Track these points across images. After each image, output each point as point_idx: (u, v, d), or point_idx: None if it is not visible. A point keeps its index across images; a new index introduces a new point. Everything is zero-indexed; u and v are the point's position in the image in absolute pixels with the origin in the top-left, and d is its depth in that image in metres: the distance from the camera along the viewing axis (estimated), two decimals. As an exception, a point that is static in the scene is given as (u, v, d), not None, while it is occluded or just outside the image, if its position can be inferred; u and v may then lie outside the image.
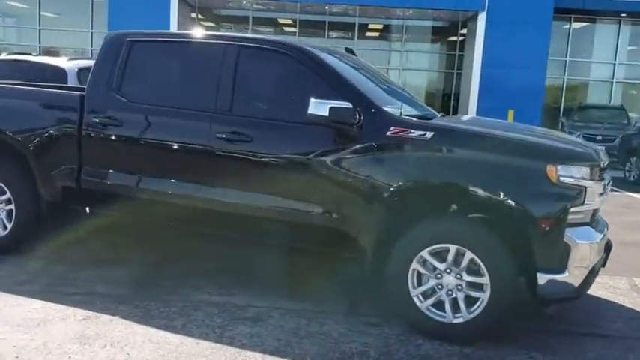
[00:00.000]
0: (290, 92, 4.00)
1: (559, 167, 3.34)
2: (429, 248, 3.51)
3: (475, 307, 3.46)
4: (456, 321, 3.51)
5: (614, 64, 20.21)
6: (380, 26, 20.08)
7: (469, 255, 3.42)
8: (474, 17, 17.15)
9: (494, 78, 16.43)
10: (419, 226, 3.56)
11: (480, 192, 3.42)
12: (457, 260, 3.47)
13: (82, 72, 8.85)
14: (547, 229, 3.30)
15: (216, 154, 3.96)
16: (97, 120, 4.26)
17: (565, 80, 20.26)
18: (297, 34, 19.50)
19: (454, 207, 3.62)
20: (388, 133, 3.59)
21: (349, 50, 4.97)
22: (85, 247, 4.93)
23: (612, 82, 20.26)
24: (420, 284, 3.58)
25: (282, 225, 3.87)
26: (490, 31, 16.64)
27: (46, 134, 4.45)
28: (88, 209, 4.51)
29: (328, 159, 3.70)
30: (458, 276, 3.49)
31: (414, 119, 3.76)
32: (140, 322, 3.57)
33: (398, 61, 19.79)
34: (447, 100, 20.02)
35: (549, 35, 17.21)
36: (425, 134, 3.53)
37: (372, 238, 3.63)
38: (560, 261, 3.34)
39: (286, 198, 3.83)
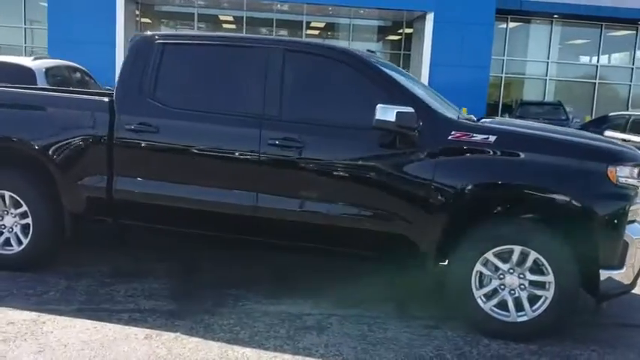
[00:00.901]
0: (345, 98, 3.95)
1: (618, 168, 3.51)
2: (494, 250, 3.59)
3: (538, 305, 3.58)
4: (520, 320, 3.61)
5: (547, 62, 21.32)
6: (326, 24, 20.16)
7: (534, 255, 3.53)
8: (422, 17, 17.56)
9: (442, 76, 16.91)
10: (484, 229, 3.64)
11: (545, 194, 3.54)
12: (520, 260, 3.58)
13: (49, 72, 8.38)
14: (610, 227, 3.46)
15: (269, 161, 3.86)
16: (132, 127, 4.03)
17: (503, 78, 21.16)
18: (244, 31, 19.22)
19: (519, 209, 3.72)
20: (450, 137, 3.64)
21: (371, 52, 4.96)
22: (99, 259, 4.69)
23: (546, 80, 21.37)
24: (482, 286, 3.66)
25: (341, 232, 3.83)
26: (438, 31, 17.11)
27: (72, 142, 4.16)
28: (114, 220, 4.27)
29: (388, 164, 3.71)
30: (521, 276, 3.59)
31: (473, 123, 3.83)
32: (206, 337, 3.44)
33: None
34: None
35: (492, 35, 17.93)
36: (488, 138, 3.60)
37: (435, 241, 3.67)
38: (620, 258, 3.51)
39: (346, 204, 3.80)
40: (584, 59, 23.09)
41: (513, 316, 3.61)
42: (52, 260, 4.42)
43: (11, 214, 4.35)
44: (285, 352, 3.31)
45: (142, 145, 4.07)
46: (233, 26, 19.94)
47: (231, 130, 3.96)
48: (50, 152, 4.17)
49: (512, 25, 20.94)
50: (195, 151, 4.02)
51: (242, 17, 19.08)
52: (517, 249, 3.55)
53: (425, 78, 17.13)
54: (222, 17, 20.28)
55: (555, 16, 20.64)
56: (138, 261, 4.77)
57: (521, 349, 3.54)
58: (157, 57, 4.14)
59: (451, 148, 3.63)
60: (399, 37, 20.21)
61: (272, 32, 19.37)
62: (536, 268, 3.57)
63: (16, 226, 4.36)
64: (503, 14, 19.44)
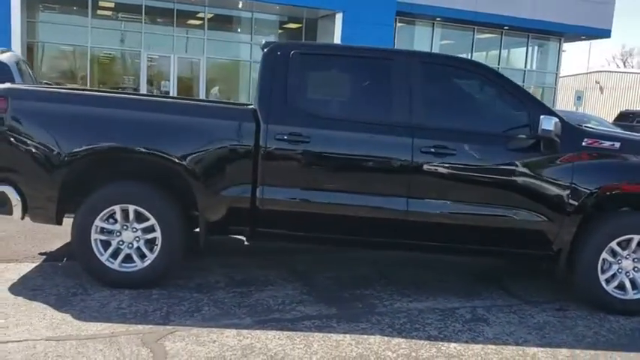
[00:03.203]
0: (487, 108, 4.32)
1: None
2: (618, 239, 4.23)
3: (642, 282, 4.29)
4: (633, 297, 4.29)
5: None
6: (230, 17, 19.88)
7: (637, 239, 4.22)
8: (331, 16, 18.15)
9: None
10: (611, 222, 4.26)
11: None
12: (637, 248, 4.25)
13: (18, 64, 7.69)
14: None
15: (422, 167, 4.12)
16: (284, 137, 4.03)
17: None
18: (142, 21, 18.28)
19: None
20: (584, 144, 4.19)
21: None
22: (194, 270, 4.59)
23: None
24: (604, 271, 4.28)
25: (490, 232, 4.21)
26: (346, 30, 17.82)
27: (215, 153, 4.04)
28: (252, 229, 4.23)
29: (534, 168, 4.16)
30: (636, 260, 4.28)
31: (599, 131, 4.42)
32: (406, 336, 3.64)
33: (247, 54, 19.88)
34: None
35: (392, 35, 19.11)
36: (614, 144, 4.22)
37: (570, 236, 4.21)
38: None
39: (494, 206, 4.18)
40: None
41: (630, 294, 4.28)
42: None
43: (132, 229, 4.10)
44: (487, 343, 3.63)
45: (293, 154, 4.09)
46: (136, 16, 18.78)
47: (384, 138, 4.14)
48: (190, 163, 4.01)
49: (399, 25, 22.33)
50: (348, 159, 4.14)
51: (140, 7, 18.10)
52: (636, 237, 4.22)
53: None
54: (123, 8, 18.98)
55: (438, 19, 22.43)
56: (239, 270, 4.72)
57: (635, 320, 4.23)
58: (296, 68, 4.17)
59: (586, 154, 4.19)
60: (301, 33, 20.56)
61: (173, 23, 18.65)
62: (640, 251, 4.27)
63: (137, 240, 4.12)
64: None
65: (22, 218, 4.16)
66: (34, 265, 4.57)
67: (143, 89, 17.77)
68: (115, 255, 4.10)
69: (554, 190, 4.17)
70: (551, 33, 25.17)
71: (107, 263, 4.09)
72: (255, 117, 4.08)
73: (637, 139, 4.59)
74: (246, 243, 4.53)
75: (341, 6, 17.50)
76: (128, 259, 4.12)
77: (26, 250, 4.93)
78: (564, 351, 3.60)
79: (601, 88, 37.10)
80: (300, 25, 20.09)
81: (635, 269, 4.29)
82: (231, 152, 4.07)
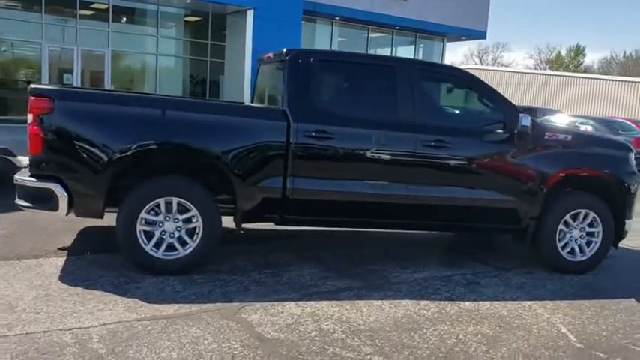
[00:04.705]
0: (474, 109, 5.16)
1: (630, 154, 5.51)
2: (570, 213, 5.28)
3: (591, 247, 5.39)
4: (580, 259, 5.37)
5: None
6: (135, 10, 19.39)
7: (591, 215, 5.32)
8: (242, 12, 18.43)
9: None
10: (565, 200, 5.29)
11: (604, 174, 5.35)
12: (583, 219, 5.34)
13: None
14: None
15: (423, 159, 4.88)
16: (311, 134, 4.59)
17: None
18: (42, 12, 17.33)
19: (589, 186, 5.41)
20: (545, 137, 5.19)
21: None
22: (226, 256, 5.04)
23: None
24: (560, 240, 5.32)
25: (478, 211, 5.08)
26: (257, 26, 18.24)
27: (251, 149, 4.51)
28: (281, 216, 4.76)
29: (510, 157, 5.08)
30: (582, 229, 5.36)
31: (554, 125, 5.42)
32: (426, 298, 4.38)
33: (153, 47, 19.57)
34: (201, 86, 20.89)
35: (300, 32, 19.84)
36: (567, 137, 5.26)
37: (536, 212, 5.19)
38: None
39: (480, 189, 5.04)
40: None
41: (578, 257, 5.36)
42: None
43: (174, 219, 4.46)
44: (491, 300, 4.47)
45: (319, 148, 4.67)
46: (31, 5, 17.70)
47: (394, 134, 4.84)
48: (230, 159, 4.46)
49: (303, 23, 23.09)
50: (364, 152, 4.80)
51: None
52: (583, 211, 5.29)
53: (248, 69, 18.18)
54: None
55: (337, 18, 23.49)
56: (256, 256, 5.22)
57: (583, 278, 5.31)
58: (317, 73, 4.77)
59: (547, 145, 5.18)
60: (208, 28, 20.54)
61: (75, 15, 17.87)
62: (593, 224, 5.36)
63: (179, 230, 4.49)
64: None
65: (67, 214, 4.36)
66: (62, 259, 4.73)
67: (45, 82, 16.92)
68: (157, 245, 4.44)
69: (525, 175, 5.13)
70: (435, 34, 27.27)
71: (151, 252, 4.42)
72: (286, 117, 4.60)
73: (582, 133, 5.71)
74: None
75: (251, 2, 17.89)
76: (170, 247, 4.48)
77: (42, 246, 5.04)
78: (548, 302, 4.54)
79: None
80: (202, 19, 20.13)
81: (582, 237, 5.38)
82: (266, 148, 4.57)
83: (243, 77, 18.27)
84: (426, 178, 4.95)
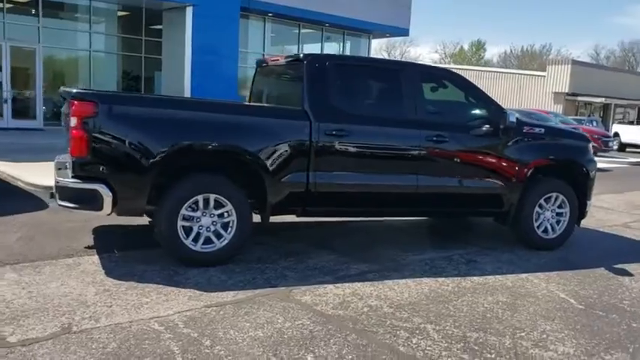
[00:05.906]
0: (465, 107, 5.79)
1: (589, 144, 6.38)
2: (544, 197, 6.06)
3: (559, 227, 6.21)
4: (552, 236, 6.18)
5: (263, 54, 24.40)
6: (67, 5, 18.70)
7: (560, 197, 6.13)
8: (181, 9, 18.29)
9: (200, 65, 18.22)
10: (539, 185, 6.05)
11: (571, 161, 6.16)
12: (554, 202, 6.13)
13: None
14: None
15: (427, 151, 5.46)
16: (332, 132, 5.04)
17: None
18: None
19: (558, 172, 6.19)
20: (524, 130, 5.92)
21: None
22: (247, 247, 5.41)
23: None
24: (536, 220, 6.09)
25: (473, 197, 5.74)
26: (196, 23, 18.19)
27: (279, 147, 4.89)
28: (303, 208, 5.18)
29: (497, 149, 5.76)
30: (553, 210, 6.17)
31: (531, 120, 6.16)
32: (440, 275, 4.97)
33: (85, 43, 18.99)
34: (135, 82, 20.51)
35: (238, 28, 19.98)
36: (541, 130, 6.02)
37: (517, 196, 5.92)
38: None
39: (474, 177, 5.70)
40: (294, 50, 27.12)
41: (551, 235, 6.17)
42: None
43: (210, 214, 4.78)
44: (494, 274, 5.13)
45: (338, 145, 5.13)
46: None
47: (402, 130, 5.38)
48: (261, 156, 4.83)
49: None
50: (377, 147, 5.32)
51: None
52: (554, 195, 6.10)
53: (188, 66, 18.12)
54: None
55: (269, 14, 23.79)
56: (274, 246, 5.61)
57: (554, 253, 6.11)
58: (333, 76, 5.21)
59: (525, 138, 5.91)
60: (142, 24, 20.17)
61: (2, 9, 17.02)
62: (562, 205, 6.17)
63: (214, 224, 4.81)
64: (234, 10, 21.51)
65: (110, 214, 4.55)
66: (94, 257, 4.90)
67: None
68: (195, 239, 4.73)
69: (508, 164, 5.83)
70: (361, 30, 28.19)
71: (190, 246, 4.71)
72: (307, 116, 5.02)
73: (554, 126, 6.51)
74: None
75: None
76: (207, 241, 4.79)
77: (68, 246, 5.17)
78: (539, 274, 5.26)
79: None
80: (136, 15, 19.79)
81: (553, 217, 6.19)
82: (292, 146, 4.97)
83: (184, 73, 18.20)
84: (431, 170, 5.53)
